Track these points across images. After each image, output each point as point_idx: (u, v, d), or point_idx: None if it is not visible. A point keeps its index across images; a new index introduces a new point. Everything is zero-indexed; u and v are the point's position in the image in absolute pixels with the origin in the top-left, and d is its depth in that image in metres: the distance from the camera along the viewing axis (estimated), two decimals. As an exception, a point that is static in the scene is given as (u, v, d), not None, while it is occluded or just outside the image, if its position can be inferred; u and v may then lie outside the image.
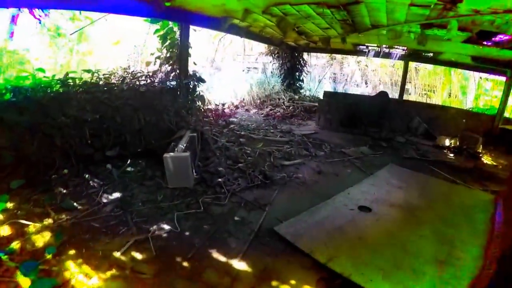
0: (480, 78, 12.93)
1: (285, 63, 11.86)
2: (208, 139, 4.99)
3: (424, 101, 13.70)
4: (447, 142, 7.79)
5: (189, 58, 6.11)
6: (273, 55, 12.33)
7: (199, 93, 6.24)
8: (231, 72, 13.07)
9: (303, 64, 12.20)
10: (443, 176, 5.55)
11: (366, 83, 16.71)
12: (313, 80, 15.58)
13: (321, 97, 9.99)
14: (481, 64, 8.17)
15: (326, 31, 6.90)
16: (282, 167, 5.03)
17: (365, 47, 10.56)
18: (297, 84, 12.37)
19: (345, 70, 17.40)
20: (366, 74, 16.68)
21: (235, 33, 7.93)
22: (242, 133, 6.46)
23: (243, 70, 14.47)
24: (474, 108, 12.37)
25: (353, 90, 15.63)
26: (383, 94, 8.49)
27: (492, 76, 11.34)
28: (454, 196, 4.63)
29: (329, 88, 14.86)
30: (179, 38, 5.90)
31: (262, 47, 13.39)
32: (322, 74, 15.99)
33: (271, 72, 13.72)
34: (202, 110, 6.51)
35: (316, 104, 10.98)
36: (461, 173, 5.80)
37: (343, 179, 4.89)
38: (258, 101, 11.19)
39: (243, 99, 11.23)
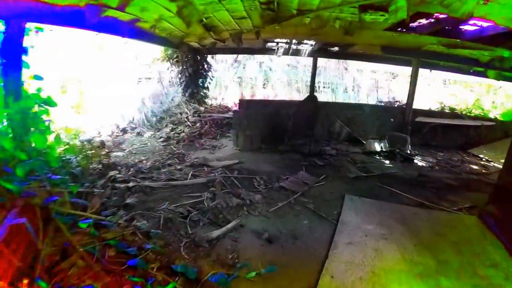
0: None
1: (186, 68, 9.65)
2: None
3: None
4: (377, 147, 6.95)
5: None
6: (171, 60, 9.99)
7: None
8: (117, 86, 10.13)
9: (207, 68, 10.20)
10: (406, 198, 4.42)
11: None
12: (218, 86, 13.78)
13: (235, 108, 8.27)
14: (391, 55, 7.67)
15: (241, 22, 5.11)
16: (209, 244, 2.96)
17: (275, 44, 9.29)
18: (202, 93, 10.30)
19: (250, 73, 16.13)
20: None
21: (112, 32, 5.40)
22: (131, 184, 4.03)
23: (133, 82, 11.53)
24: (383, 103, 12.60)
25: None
26: (311, 98, 7.13)
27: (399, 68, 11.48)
28: (448, 232, 3.43)
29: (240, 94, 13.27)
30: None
31: (156, 50, 10.91)
32: (227, 78, 14.33)
33: (169, 82, 11.34)
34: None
35: (227, 115, 9.23)
36: (413, 187, 4.93)
37: (307, 243, 3.11)
38: (154, 119, 8.72)
39: (133, 118, 8.57)
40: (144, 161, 5.33)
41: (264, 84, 15.10)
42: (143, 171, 4.69)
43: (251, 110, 6.47)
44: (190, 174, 4.65)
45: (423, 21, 4.89)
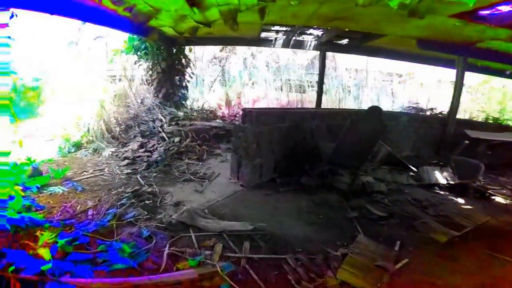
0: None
1: (158, 63, 7.62)
2: None
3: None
4: (439, 177, 4.97)
5: None
6: (139, 52, 7.89)
7: None
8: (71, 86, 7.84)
9: (185, 63, 8.18)
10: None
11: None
12: (200, 84, 11.72)
13: (222, 113, 6.34)
14: (429, 51, 6.02)
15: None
16: None
17: (273, 33, 7.46)
18: (179, 94, 8.29)
19: (232, 71, 14.08)
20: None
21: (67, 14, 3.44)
22: None
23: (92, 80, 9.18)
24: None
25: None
26: (373, 111, 4.45)
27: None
28: None
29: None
30: None
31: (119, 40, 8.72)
32: (207, 76, 12.30)
33: (140, 80, 9.21)
34: None
35: (214, 124, 7.29)
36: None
37: None
38: (118, 129, 6.65)
39: (88, 129, 6.42)
40: (90, 213, 3.32)
41: (252, 83, 13.13)
42: (80, 237, 2.71)
43: (262, 125, 4.45)
44: (163, 257, 2.67)
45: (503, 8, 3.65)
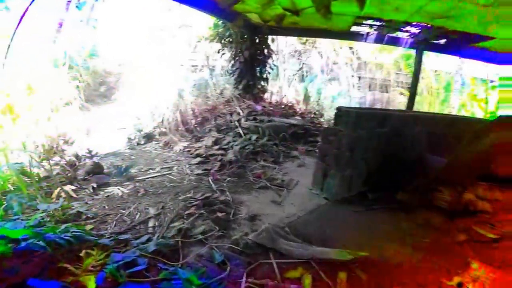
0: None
1: (241, 52, 7.06)
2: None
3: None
4: None
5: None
6: (223, 40, 7.44)
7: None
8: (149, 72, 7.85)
9: (267, 53, 7.47)
10: None
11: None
12: (279, 77, 10.94)
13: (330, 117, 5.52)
14: None
15: None
16: None
17: (367, 26, 6.24)
18: (259, 86, 7.66)
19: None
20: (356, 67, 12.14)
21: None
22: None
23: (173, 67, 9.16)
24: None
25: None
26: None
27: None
28: None
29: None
30: None
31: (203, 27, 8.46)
32: (289, 68, 11.43)
33: (221, 69, 8.87)
34: None
35: (293, 121, 6.40)
36: None
37: None
38: (193, 121, 6.26)
39: (162, 120, 6.14)
40: (151, 225, 2.74)
41: (329, 80, 11.83)
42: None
43: (360, 128, 3.49)
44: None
45: None
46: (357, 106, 9.43)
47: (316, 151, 4.78)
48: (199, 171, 4.07)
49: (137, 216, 2.81)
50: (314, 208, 3.33)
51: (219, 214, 2.90)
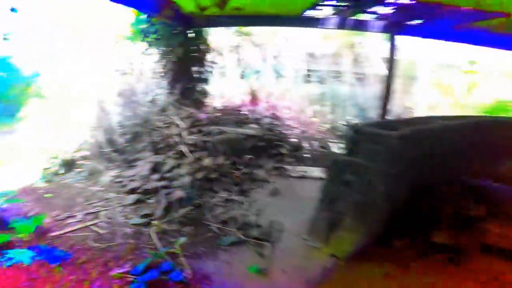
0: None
1: (172, 50, 5.87)
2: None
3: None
4: None
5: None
6: (148, 37, 6.11)
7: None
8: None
9: (205, 49, 6.39)
10: None
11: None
12: (219, 76, 9.84)
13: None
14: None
15: None
16: None
17: (321, 9, 5.58)
18: (200, 89, 6.57)
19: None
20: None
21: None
22: None
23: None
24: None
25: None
26: None
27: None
28: None
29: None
30: None
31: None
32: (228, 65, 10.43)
33: (151, 72, 7.46)
34: None
35: (249, 131, 5.44)
36: None
37: None
38: (122, 140, 4.94)
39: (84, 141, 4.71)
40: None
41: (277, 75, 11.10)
42: None
43: (403, 158, 2.46)
44: None
45: None
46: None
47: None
48: (137, 219, 2.92)
49: None
50: (319, 276, 2.29)
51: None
